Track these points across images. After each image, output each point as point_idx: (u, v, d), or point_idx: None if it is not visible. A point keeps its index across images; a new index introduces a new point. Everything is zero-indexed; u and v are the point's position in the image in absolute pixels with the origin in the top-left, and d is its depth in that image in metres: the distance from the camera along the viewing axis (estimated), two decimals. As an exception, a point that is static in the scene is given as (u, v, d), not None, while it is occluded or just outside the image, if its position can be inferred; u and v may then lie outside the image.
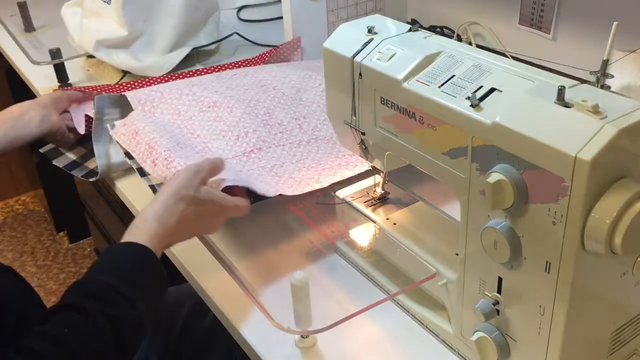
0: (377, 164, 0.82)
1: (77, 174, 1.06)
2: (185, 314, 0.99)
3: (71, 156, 1.09)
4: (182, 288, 1.01)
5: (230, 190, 0.82)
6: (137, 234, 0.73)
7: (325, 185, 0.90)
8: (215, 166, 0.82)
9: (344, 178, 0.92)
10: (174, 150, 0.92)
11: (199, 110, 1.03)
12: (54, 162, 1.07)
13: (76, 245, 2.37)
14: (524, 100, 0.57)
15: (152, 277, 0.73)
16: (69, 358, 0.62)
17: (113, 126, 1.02)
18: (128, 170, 1.07)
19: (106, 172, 1.04)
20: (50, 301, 1.48)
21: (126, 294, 0.68)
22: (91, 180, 1.04)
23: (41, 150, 1.10)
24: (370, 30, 0.75)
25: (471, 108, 0.60)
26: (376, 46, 0.73)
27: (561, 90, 0.55)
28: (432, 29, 1.42)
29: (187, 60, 1.41)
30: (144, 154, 0.95)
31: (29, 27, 1.65)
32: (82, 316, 0.65)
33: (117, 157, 1.04)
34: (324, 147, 1.00)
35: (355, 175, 0.92)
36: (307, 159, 0.97)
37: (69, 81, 1.34)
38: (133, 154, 0.97)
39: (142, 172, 0.96)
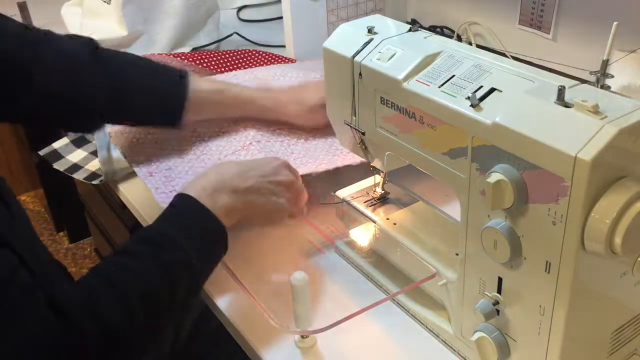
0: (377, 164, 0.82)
1: (79, 176, 1.05)
2: (193, 317, 0.99)
3: (71, 159, 1.09)
4: None
5: None
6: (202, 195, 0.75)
7: (329, 167, 0.91)
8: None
9: (344, 164, 0.93)
10: (174, 169, 0.94)
11: None
12: (54, 166, 1.07)
13: (76, 245, 2.37)
14: (524, 100, 0.57)
15: (214, 236, 0.74)
16: (116, 295, 0.64)
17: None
18: (128, 170, 1.07)
19: (110, 177, 1.04)
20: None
21: (184, 245, 0.70)
22: (94, 182, 1.04)
23: (40, 153, 1.09)
24: (370, 30, 0.75)
25: (471, 108, 0.60)
26: (376, 46, 0.73)
27: (561, 90, 0.55)
28: (432, 29, 1.42)
29: (187, 60, 1.41)
30: (141, 160, 0.96)
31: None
32: (133, 258, 0.67)
33: (120, 162, 1.03)
34: (322, 146, 1.00)
35: (355, 175, 0.92)
36: (304, 156, 0.96)
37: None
38: (131, 162, 0.98)
39: None
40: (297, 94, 0.98)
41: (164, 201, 0.84)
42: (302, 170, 0.89)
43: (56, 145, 1.04)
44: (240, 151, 0.96)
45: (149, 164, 0.96)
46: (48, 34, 0.90)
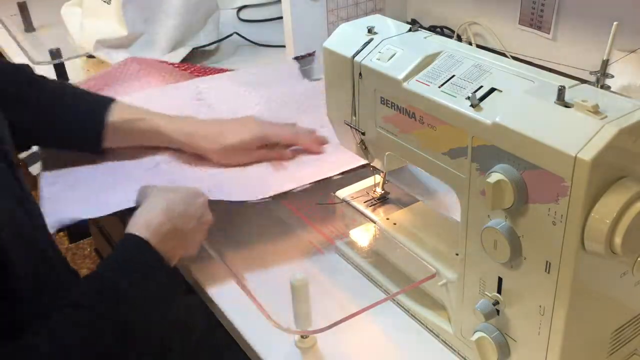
0: (377, 164, 0.82)
1: None
2: (202, 322, 0.98)
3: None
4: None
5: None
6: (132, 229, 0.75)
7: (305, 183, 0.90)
8: None
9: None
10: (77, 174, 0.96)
11: None
12: (30, 169, 1.05)
13: (76, 245, 2.37)
14: (524, 100, 0.57)
15: (169, 278, 0.75)
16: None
17: None
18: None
19: None
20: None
21: (135, 296, 0.70)
22: None
23: (21, 157, 1.08)
24: (370, 30, 0.75)
25: (471, 108, 0.60)
26: (376, 46, 0.73)
27: (561, 90, 0.55)
28: (432, 29, 1.42)
29: (186, 61, 1.41)
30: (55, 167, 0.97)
31: (29, 27, 1.65)
32: (86, 312, 0.67)
33: None
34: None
35: (355, 175, 0.92)
36: (221, 175, 0.94)
37: (69, 81, 1.34)
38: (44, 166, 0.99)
39: None
40: (216, 131, 0.97)
41: (54, 217, 0.86)
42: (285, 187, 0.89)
43: (36, 147, 1.04)
44: (153, 168, 0.96)
45: (56, 170, 0.98)
46: None
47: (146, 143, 1.00)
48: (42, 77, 1.01)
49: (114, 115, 0.97)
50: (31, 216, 0.75)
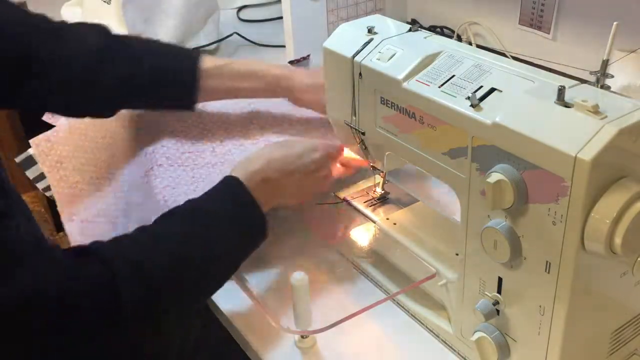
0: (377, 164, 0.82)
1: (40, 186, 1.04)
2: (201, 322, 0.99)
3: (41, 167, 1.07)
4: None
5: None
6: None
7: None
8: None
9: None
10: (93, 206, 0.95)
11: (121, 126, 1.01)
12: (27, 173, 1.05)
13: (76, 245, 2.37)
14: (524, 100, 0.57)
15: (255, 228, 0.77)
16: (156, 246, 0.67)
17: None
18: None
19: None
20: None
21: (226, 227, 0.74)
22: (47, 194, 1.04)
23: (17, 160, 1.08)
24: (370, 30, 0.75)
25: (471, 108, 0.60)
26: (376, 46, 0.73)
27: (561, 90, 0.55)
28: (432, 29, 1.42)
29: (187, 60, 1.41)
30: (66, 198, 0.97)
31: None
32: (179, 223, 0.72)
33: None
34: (226, 171, 0.95)
35: (355, 175, 0.92)
36: (202, 182, 0.93)
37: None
38: (53, 188, 0.98)
39: None
40: (307, 72, 0.99)
41: None
42: None
43: (32, 150, 1.03)
44: (144, 177, 0.95)
45: (72, 201, 0.98)
46: (63, 23, 0.93)
47: (238, 84, 0.98)
48: (120, 37, 0.96)
49: (206, 63, 0.95)
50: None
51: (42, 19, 0.92)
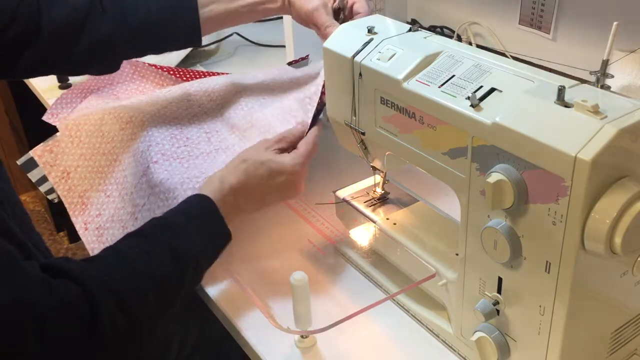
0: (377, 164, 0.82)
1: (43, 189, 1.05)
2: (201, 322, 0.98)
3: (42, 169, 1.06)
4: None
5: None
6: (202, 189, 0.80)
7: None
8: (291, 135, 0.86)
9: None
10: (105, 212, 0.96)
11: (119, 129, 1.02)
12: (29, 176, 1.05)
13: (76, 245, 2.37)
14: (524, 100, 0.57)
15: (220, 239, 0.78)
16: (129, 271, 0.67)
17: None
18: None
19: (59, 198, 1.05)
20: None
21: (194, 239, 0.74)
22: (49, 197, 1.04)
23: (18, 163, 1.08)
24: (370, 30, 0.75)
25: (471, 108, 0.60)
26: (376, 46, 0.73)
27: (561, 90, 0.55)
28: (432, 29, 1.42)
29: (187, 60, 1.41)
30: (77, 208, 0.99)
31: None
32: (148, 241, 0.71)
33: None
34: (223, 158, 0.95)
35: (355, 175, 0.92)
36: (195, 169, 0.93)
37: (69, 81, 1.34)
38: (63, 199, 0.99)
39: None
40: None
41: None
42: None
43: (32, 152, 1.03)
44: (142, 177, 0.96)
45: (83, 210, 0.99)
46: None
47: (236, 4, 0.99)
48: None
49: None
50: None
51: None
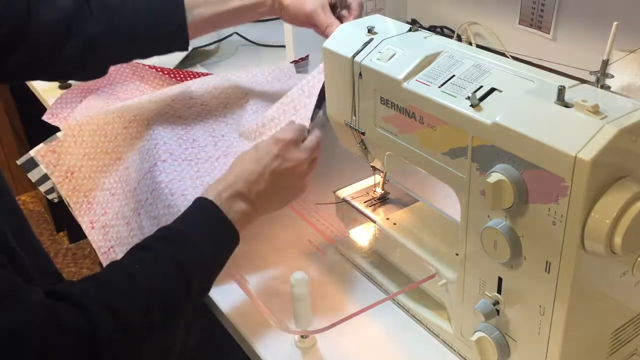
0: (377, 164, 0.82)
1: (43, 189, 1.05)
2: (201, 322, 0.98)
3: (44, 169, 1.06)
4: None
5: None
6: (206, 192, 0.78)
7: None
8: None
9: None
10: (110, 210, 0.96)
11: (122, 127, 1.02)
12: (29, 176, 1.05)
13: (76, 245, 2.37)
14: (524, 100, 0.57)
15: (228, 243, 0.77)
16: (133, 289, 0.65)
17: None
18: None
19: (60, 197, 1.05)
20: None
21: (200, 248, 0.72)
22: (49, 197, 1.04)
23: (18, 163, 1.07)
24: (370, 30, 0.75)
25: (471, 108, 0.60)
26: (376, 46, 0.73)
27: (561, 90, 0.55)
28: (432, 29, 1.42)
29: (187, 60, 1.41)
30: (82, 207, 0.99)
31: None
32: (152, 255, 0.70)
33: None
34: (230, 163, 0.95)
35: (355, 175, 0.92)
36: (207, 176, 0.93)
37: (69, 81, 1.34)
38: (68, 199, 0.99)
39: None
40: None
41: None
42: None
43: (33, 152, 1.03)
44: (147, 174, 0.95)
45: (89, 209, 0.99)
46: None
47: (223, 7, 0.99)
48: None
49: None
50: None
51: None
